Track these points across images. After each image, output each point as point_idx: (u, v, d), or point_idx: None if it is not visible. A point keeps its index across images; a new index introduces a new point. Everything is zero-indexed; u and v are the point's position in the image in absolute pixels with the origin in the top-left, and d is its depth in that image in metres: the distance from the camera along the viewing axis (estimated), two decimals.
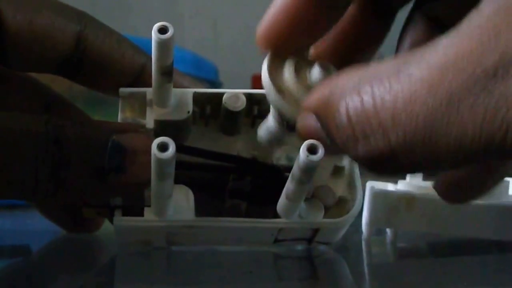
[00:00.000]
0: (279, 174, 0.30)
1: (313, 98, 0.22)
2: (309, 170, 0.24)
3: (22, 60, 0.31)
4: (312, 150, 0.23)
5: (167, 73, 0.28)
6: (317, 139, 0.22)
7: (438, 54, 0.18)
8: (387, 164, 0.20)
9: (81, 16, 0.31)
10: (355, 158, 0.21)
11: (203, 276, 0.30)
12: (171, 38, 0.26)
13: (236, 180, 0.31)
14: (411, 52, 0.19)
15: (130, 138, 0.27)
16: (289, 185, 0.26)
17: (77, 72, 0.32)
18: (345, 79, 0.21)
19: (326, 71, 0.25)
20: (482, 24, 0.18)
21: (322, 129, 0.22)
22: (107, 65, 0.32)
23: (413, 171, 0.21)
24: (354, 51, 0.27)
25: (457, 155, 0.18)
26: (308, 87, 0.26)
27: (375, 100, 0.19)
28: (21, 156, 0.25)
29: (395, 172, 0.20)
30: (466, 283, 0.31)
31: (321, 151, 0.23)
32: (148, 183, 0.26)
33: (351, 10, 0.26)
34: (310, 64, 0.26)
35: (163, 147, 0.23)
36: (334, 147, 0.22)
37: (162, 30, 0.26)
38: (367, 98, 0.19)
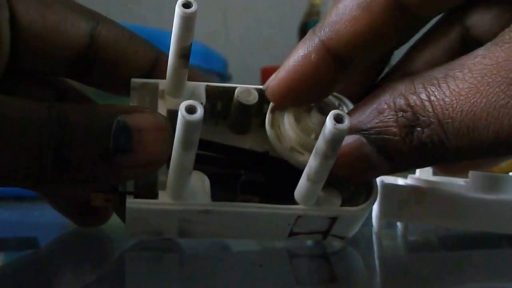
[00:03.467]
0: (292, 167, 0.29)
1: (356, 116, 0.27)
2: (335, 140, 0.24)
3: (34, 57, 0.30)
4: (339, 119, 0.23)
5: (185, 55, 0.28)
6: (365, 155, 0.26)
7: (478, 62, 0.24)
8: (439, 149, 0.25)
9: (93, 14, 0.31)
10: (411, 148, 0.25)
11: (217, 281, 0.29)
12: (195, 13, 0.26)
13: (248, 174, 0.30)
14: (454, 61, 0.25)
15: (136, 117, 0.26)
16: (311, 164, 0.26)
17: (89, 73, 0.31)
18: (392, 84, 0.26)
19: (324, 115, 0.27)
20: None
21: (367, 143, 0.26)
22: (121, 63, 0.31)
23: (458, 158, 0.25)
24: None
25: (494, 145, 0.23)
26: (310, 130, 0.29)
27: (430, 98, 0.24)
28: (23, 142, 0.25)
29: (443, 158, 0.25)
30: (476, 277, 0.31)
31: (347, 121, 0.24)
32: (157, 163, 0.26)
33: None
34: (309, 109, 0.29)
35: (191, 110, 0.23)
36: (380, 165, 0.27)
37: (186, 5, 0.26)
38: (423, 96, 0.25)
